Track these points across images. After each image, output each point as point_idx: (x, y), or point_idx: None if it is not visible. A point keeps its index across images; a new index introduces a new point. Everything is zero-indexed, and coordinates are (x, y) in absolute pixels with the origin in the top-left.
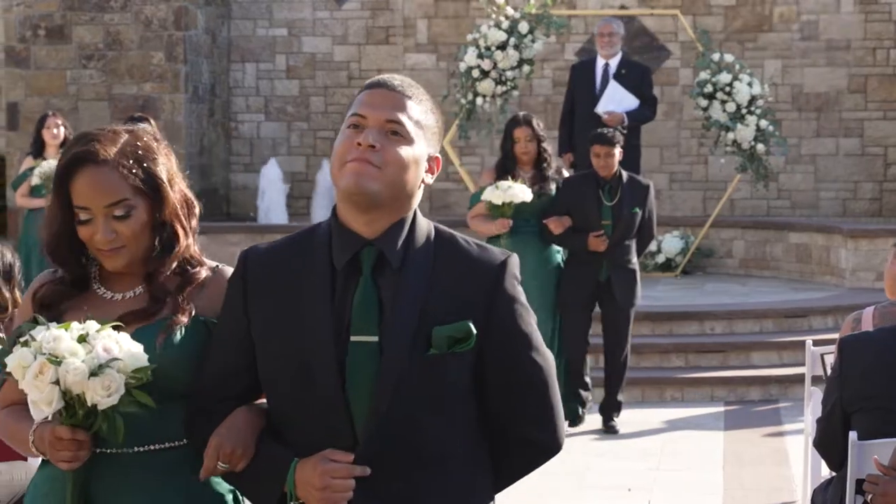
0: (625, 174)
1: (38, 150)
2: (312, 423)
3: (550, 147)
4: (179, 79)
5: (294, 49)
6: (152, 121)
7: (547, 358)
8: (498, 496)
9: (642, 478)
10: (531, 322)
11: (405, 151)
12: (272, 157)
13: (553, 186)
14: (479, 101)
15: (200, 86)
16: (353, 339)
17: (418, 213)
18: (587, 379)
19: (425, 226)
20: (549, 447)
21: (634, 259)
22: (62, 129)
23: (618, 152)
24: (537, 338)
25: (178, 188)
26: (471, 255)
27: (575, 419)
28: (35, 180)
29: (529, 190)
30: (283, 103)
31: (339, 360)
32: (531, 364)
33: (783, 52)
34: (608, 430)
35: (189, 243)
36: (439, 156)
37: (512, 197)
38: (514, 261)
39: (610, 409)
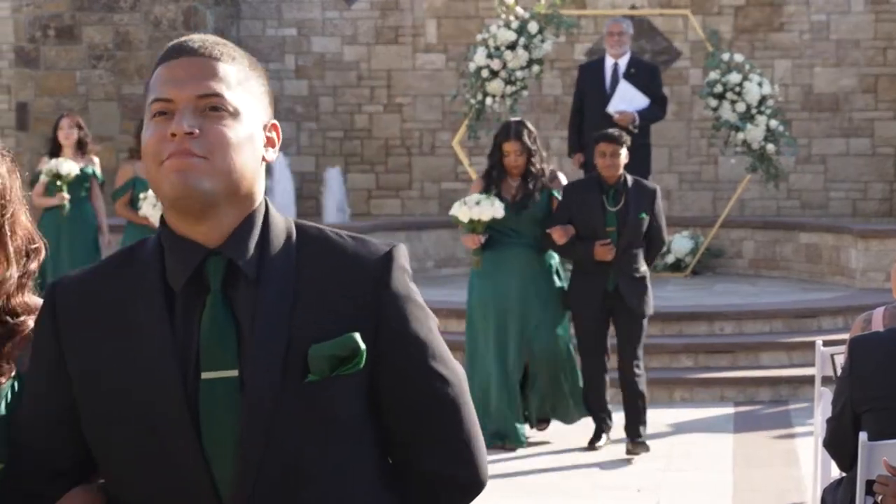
0: (629, 178)
1: (54, 151)
2: (164, 492)
3: (542, 158)
4: None
5: (303, 49)
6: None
7: (456, 371)
8: (504, 496)
9: (652, 478)
10: (432, 327)
11: (233, 129)
12: (281, 158)
13: (539, 196)
14: (488, 101)
15: None
16: (204, 375)
17: (270, 206)
18: (607, 402)
19: (282, 222)
20: (467, 485)
21: (643, 267)
22: (75, 130)
23: (624, 153)
24: (440, 346)
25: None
26: (345, 251)
27: (592, 442)
28: (43, 178)
29: (501, 205)
30: (292, 103)
31: (190, 404)
32: (434, 378)
33: (793, 52)
34: (634, 449)
35: (14, 288)
36: (276, 122)
37: (479, 214)
38: (401, 252)
39: (632, 432)
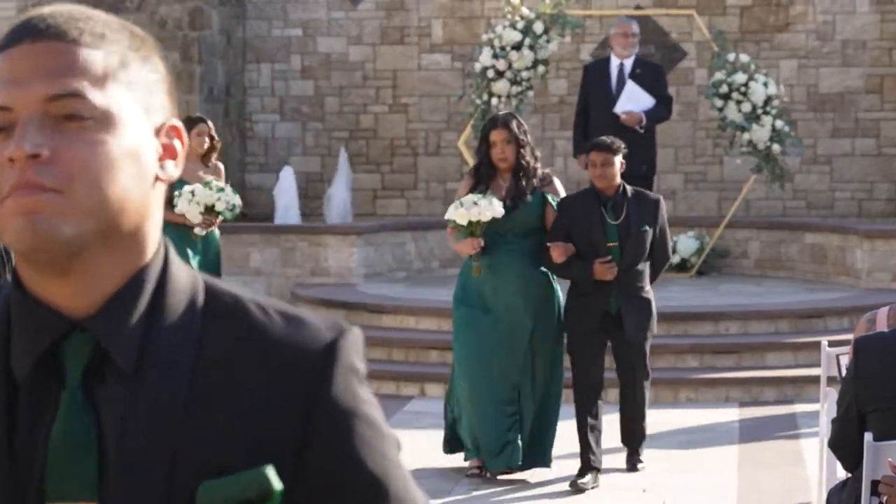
0: (629, 188)
1: None
2: None
3: (534, 154)
4: (194, 79)
5: (309, 49)
6: (209, 122)
7: None
8: (510, 496)
9: (657, 479)
10: (387, 453)
11: (103, 145)
12: (286, 166)
13: (531, 197)
14: (493, 101)
15: (215, 86)
16: None
17: (171, 257)
18: (595, 440)
19: (185, 283)
20: None
21: (648, 286)
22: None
23: (618, 161)
24: (397, 483)
25: None
26: (270, 337)
27: (576, 480)
28: None
29: (500, 203)
30: (298, 103)
31: None
32: None
33: (799, 53)
34: (630, 468)
35: None
36: (177, 122)
37: (478, 215)
38: (351, 342)
39: (631, 457)
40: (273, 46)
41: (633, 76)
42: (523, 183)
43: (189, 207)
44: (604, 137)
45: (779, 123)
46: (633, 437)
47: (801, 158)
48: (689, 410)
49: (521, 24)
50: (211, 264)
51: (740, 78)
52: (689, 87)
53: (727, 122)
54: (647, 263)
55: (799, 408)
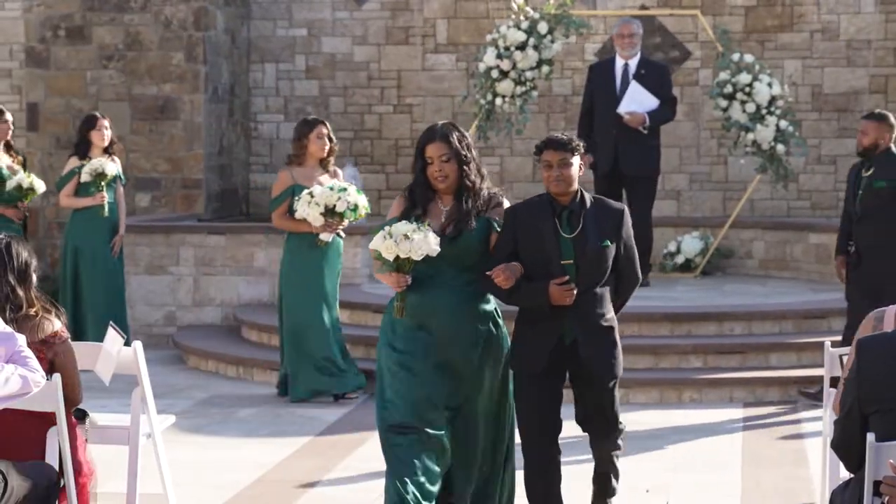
0: (588, 195)
1: (84, 151)
2: None
3: (479, 172)
4: (199, 79)
5: (314, 49)
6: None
7: None
8: (516, 496)
9: (660, 478)
10: None
11: None
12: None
13: (475, 223)
14: (498, 101)
15: (220, 86)
16: None
17: None
18: (561, 498)
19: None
20: None
21: (610, 314)
22: (109, 131)
23: (577, 162)
24: None
25: None
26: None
27: None
28: (85, 177)
29: (436, 239)
30: (302, 104)
31: None
32: None
33: (803, 53)
34: None
35: None
36: None
37: (408, 252)
38: None
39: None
40: (278, 46)
41: (637, 76)
42: (467, 206)
43: (309, 210)
44: (559, 134)
45: (783, 123)
46: (602, 493)
47: (806, 159)
48: (692, 410)
49: (525, 25)
50: (334, 274)
51: (745, 78)
52: (693, 88)
53: (731, 123)
54: (608, 288)
55: (802, 408)
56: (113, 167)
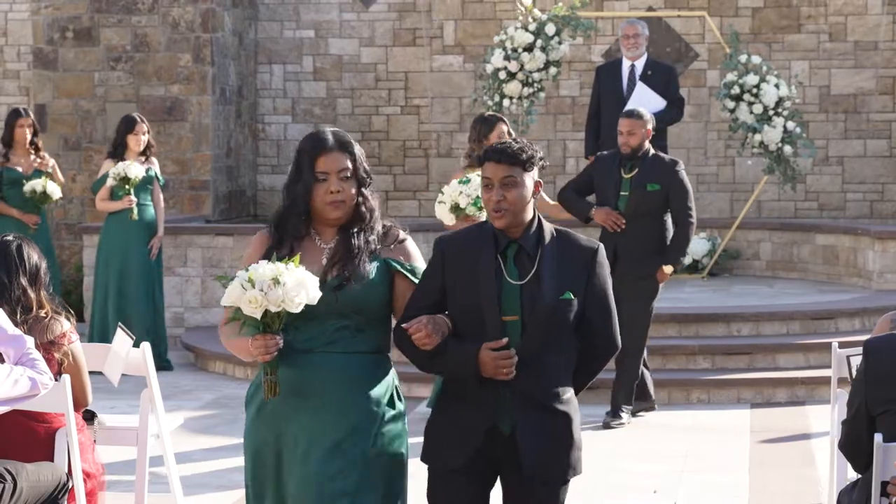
0: (549, 228)
1: (120, 154)
2: None
3: (375, 200)
4: (206, 81)
5: (321, 51)
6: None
7: None
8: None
9: (668, 480)
10: None
11: None
12: None
13: (369, 266)
14: (505, 102)
15: (227, 87)
16: None
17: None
18: None
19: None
20: None
21: (569, 393)
22: (147, 136)
23: (530, 181)
24: None
25: None
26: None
27: None
28: (111, 182)
29: (315, 282)
30: (310, 105)
31: None
32: None
33: (810, 54)
34: None
35: None
36: None
37: (280, 302)
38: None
39: None
40: (285, 48)
41: (644, 77)
42: (358, 243)
43: (439, 209)
44: (506, 142)
45: (790, 125)
46: None
47: (813, 160)
48: (700, 411)
49: (532, 26)
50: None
51: (752, 79)
52: (700, 89)
53: (739, 124)
54: (572, 352)
55: (810, 409)
56: (137, 170)
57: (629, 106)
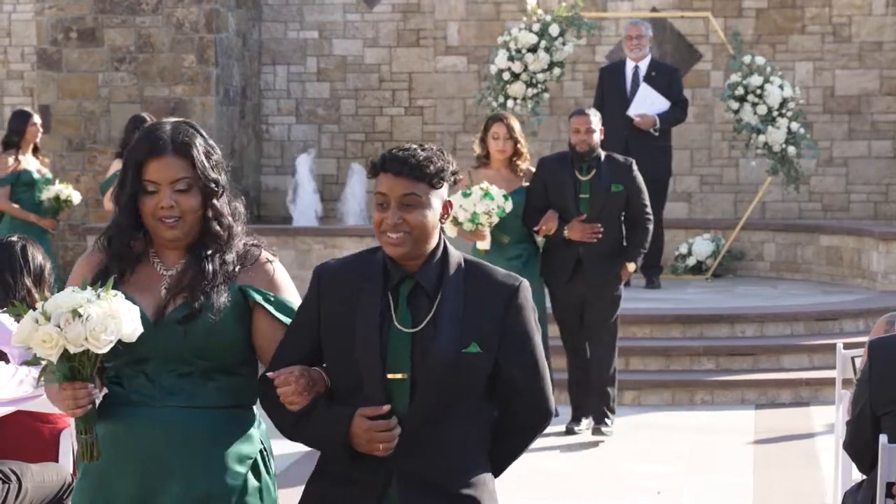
0: (457, 257)
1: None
2: None
3: (237, 210)
4: (210, 81)
5: (325, 51)
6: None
7: None
8: (529, 496)
9: (672, 481)
10: None
11: None
12: (303, 155)
13: (224, 299)
14: (509, 103)
15: (231, 88)
16: None
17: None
18: None
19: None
20: None
21: (480, 472)
22: None
23: (437, 201)
24: None
25: None
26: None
27: None
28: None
29: (131, 310)
30: (313, 106)
31: None
32: None
33: (814, 55)
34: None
35: None
36: None
37: (82, 341)
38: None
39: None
40: (289, 49)
41: (647, 79)
42: (210, 268)
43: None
44: (410, 149)
45: (794, 126)
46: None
47: (817, 161)
48: (704, 412)
49: (536, 27)
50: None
51: (756, 80)
52: (704, 90)
53: (743, 125)
54: (484, 423)
55: (814, 409)
56: None
57: (633, 106)
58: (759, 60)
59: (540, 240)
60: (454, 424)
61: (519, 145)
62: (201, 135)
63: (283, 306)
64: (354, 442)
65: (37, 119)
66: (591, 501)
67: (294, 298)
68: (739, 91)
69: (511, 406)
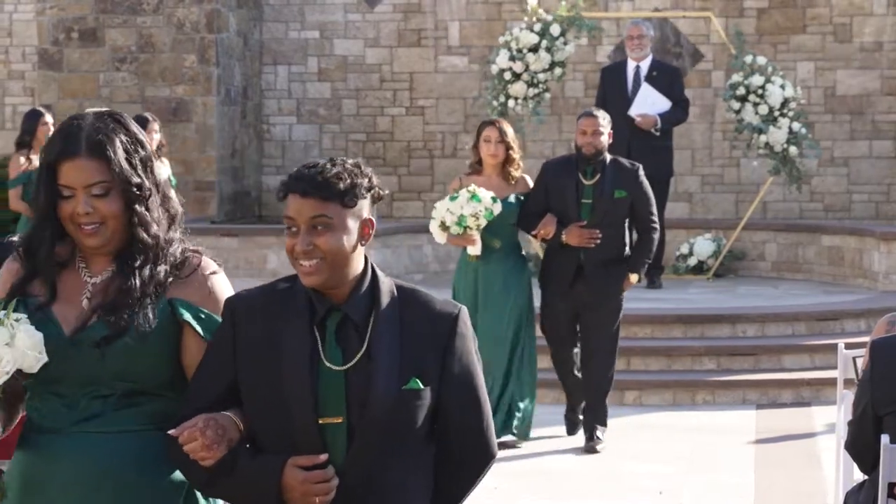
0: (388, 290)
1: None
2: None
3: (171, 209)
4: (211, 81)
5: (326, 51)
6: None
7: None
8: (530, 495)
9: (673, 480)
10: None
11: None
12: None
13: (151, 314)
14: (510, 103)
15: (232, 88)
16: None
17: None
18: None
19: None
20: None
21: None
22: (158, 134)
23: (353, 223)
24: None
25: None
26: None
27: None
28: None
29: (33, 337)
30: (315, 106)
31: None
32: None
33: (816, 55)
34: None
35: None
36: None
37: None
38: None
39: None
40: (290, 49)
41: (649, 78)
42: (136, 281)
43: (431, 225)
44: (316, 164)
45: (796, 126)
46: None
47: (819, 161)
48: (706, 412)
49: (538, 27)
50: None
51: (757, 80)
52: (706, 90)
53: (744, 125)
54: (427, 467)
55: (816, 410)
56: (164, 170)
57: (634, 106)
58: (761, 60)
59: (537, 245)
60: (396, 470)
61: (511, 151)
62: (126, 129)
63: (215, 326)
64: (287, 496)
65: (48, 118)
66: (592, 501)
67: None
68: (741, 91)
69: (451, 446)
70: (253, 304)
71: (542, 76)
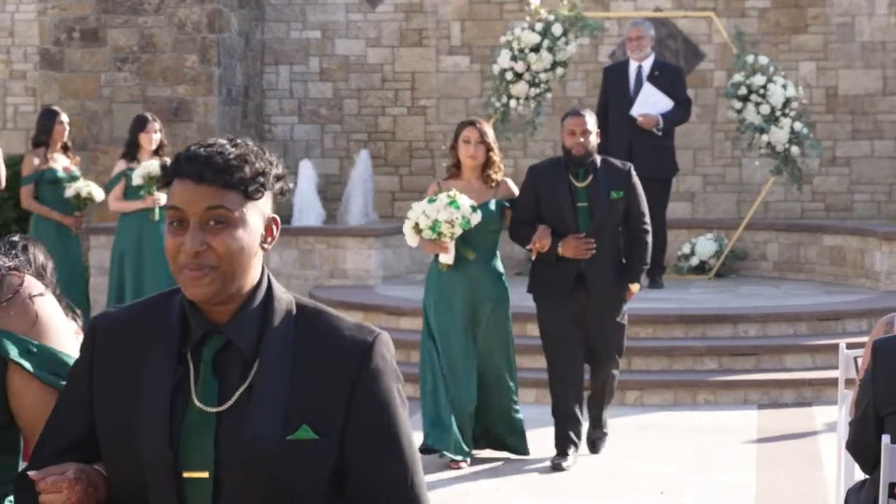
0: (310, 310)
1: (133, 154)
2: None
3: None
4: (213, 81)
5: (327, 51)
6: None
7: None
8: (530, 495)
9: (674, 480)
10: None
11: None
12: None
13: None
14: (512, 103)
15: (234, 88)
16: None
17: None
18: None
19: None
20: None
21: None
22: (159, 134)
23: (247, 236)
24: None
25: None
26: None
27: None
28: (137, 181)
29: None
30: (316, 105)
31: None
32: None
33: (817, 54)
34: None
35: None
36: None
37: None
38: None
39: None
40: (291, 48)
41: (651, 78)
42: None
43: (405, 226)
44: (213, 144)
45: (797, 125)
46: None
47: (820, 160)
48: (707, 412)
49: (539, 26)
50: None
51: (759, 80)
52: (707, 89)
53: (746, 124)
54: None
55: (817, 409)
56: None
57: (636, 106)
58: (763, 60)
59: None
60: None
61: (491, 153)
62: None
63: (49, 360)
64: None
65: (64, 118)
66: (593, 501)
67: (68, 348)
68: (742, 91)
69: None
70: (116, 325)
71: (543, 76)
